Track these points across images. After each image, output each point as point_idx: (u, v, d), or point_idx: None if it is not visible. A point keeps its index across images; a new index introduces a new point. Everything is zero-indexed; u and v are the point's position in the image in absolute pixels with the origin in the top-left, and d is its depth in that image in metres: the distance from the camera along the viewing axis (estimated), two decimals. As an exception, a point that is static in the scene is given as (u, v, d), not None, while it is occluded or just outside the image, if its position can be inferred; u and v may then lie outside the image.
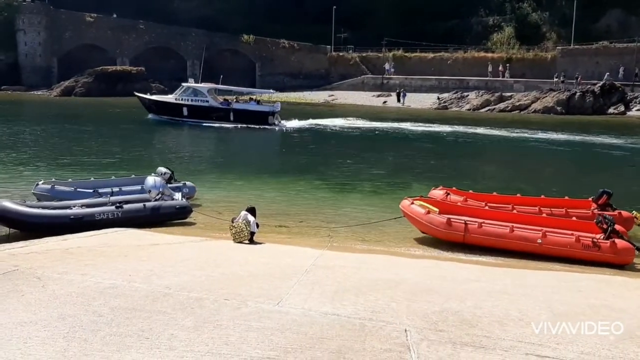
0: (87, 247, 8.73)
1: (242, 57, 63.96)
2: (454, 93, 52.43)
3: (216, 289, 6.19)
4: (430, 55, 59.96)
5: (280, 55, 63.73)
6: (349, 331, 4.90)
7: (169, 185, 13.79)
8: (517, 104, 48.29)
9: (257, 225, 10.64)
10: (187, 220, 12.90)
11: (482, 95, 50.53)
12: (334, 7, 60.13)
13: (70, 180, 14.77)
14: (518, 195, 13.03)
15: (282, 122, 36.13)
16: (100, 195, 13.29)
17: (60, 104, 49.75)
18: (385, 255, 9.88)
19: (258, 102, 37.08)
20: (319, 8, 61.19)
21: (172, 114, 35.97)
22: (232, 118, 35.17)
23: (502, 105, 48.54)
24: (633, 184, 18.33)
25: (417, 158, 24.81)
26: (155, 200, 12.77)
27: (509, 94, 50.51)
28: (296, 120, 37.20)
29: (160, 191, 12.93)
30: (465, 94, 51.92)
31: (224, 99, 37.00)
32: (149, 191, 13.04)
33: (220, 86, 37.41)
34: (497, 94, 50.16)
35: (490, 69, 55.36)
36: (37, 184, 13.65)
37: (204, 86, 36.56)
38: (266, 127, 34.66)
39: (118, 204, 12.20)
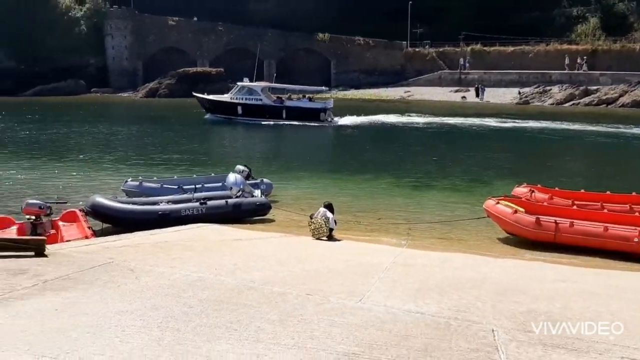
0: (175, 242, 9.08)
1: (317, 55, 64.47)
2: (536, 87, 50.60)
3: (298, 284, 6.27)
4: (510, 48, 58.06)
5: (355, 53, 63.70)
6: (434, 330, 4.83)
7: (247, 182, 14.14)
8: (604, 97, 46.04)
9: (335, 222, 10.70)
10: (266, 216, 13.15)
11: (565, 89, 48.54)
12: (410, 2, 59.43)
13: (155, 178, 15.44)
14: (607, 192, 12.40)
15: (335, 118, 36.35)
16: (185, 192, 13.79)
17: (144, 105, 52.03)
18: (467, 254, 9.68)
19: (310, 99, 37.39)
20: (394, 4, 60.61)
21: (227, 112, 36.85)
22: (284, 116, 35.76)
23: (587, 100, 46.44)
24: None
25: (496, 154, 24.14)
26: (236, 197, 13.11)
27: (594, 87, 48.18)
28: (349, 116, 37.31)
29: (241, 188, 13.27)
30: (548, 88, 50.01)
31: (277, 97, 37.61)
32: (230, 188, 13.41)
33: (274, 84, 38.12)
34: (581, 88, 47.99)
35: (567, 61, 52.91)
36: (126, 181, 14.37)
37: (257, 85, 37.37)
38: (318, 123, 34.98)
39: (202, 201, 12.63)
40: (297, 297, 5.67)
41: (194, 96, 40.23)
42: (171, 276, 6.29)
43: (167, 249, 8.32)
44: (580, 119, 35.91)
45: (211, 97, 39.05)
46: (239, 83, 38.37)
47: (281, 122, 35.33)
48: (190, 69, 60.17)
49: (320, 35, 63.31)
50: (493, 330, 4.91)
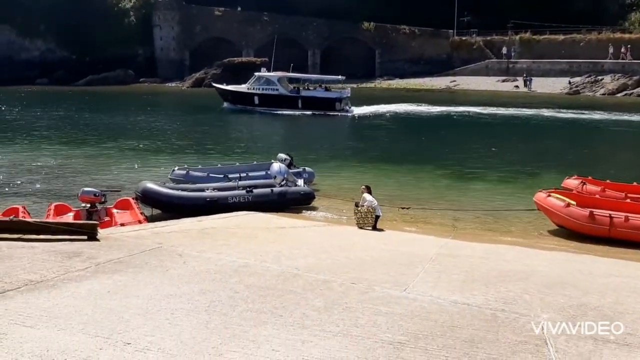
0: (221, 228, 9.23)
1: (362, 44, 63.99)
2: (587, 77, 48.98)
3: (342, 272, 6.28)
4: (561, 37, 56.22)
5: (400, 42, 62.94)
6: (481, 321, 4.77)
7: (290, 170, 14.24)
8: (659, 87, 44.19)
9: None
10: (310, 205, 13.21)
11: (618, 79, 46.86)
12: (457, -10, 58.30)
13: (199, 166, 15.71)
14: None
15: (352, 108, 36.10)
16: (230, 180, 13.98)
17: (191, 94, 52.82)
18: (514, 246, 9.50)
19: (327, 89, 37.17)
20: (441, -8, 59.56)
21: (244, 102, 37.25)
22: (300, 105, 35.86)
23: (640, 90, 44.68)
24: None
25: (545, 145, 23.55)
26: (280, 186, 13.21)
27: (649, 76, 46.32)
28: (365, 107, 37.04)
29: (285, 177, 13.36)
30: (600, 77, 48.34)
31: (294, 87, 37.65)
32: (274, 177, 13.52)
33: (290, 74, 38.06)
34: (635, 78, 46.23)
35: (611, 50, 50.92)
36: (174, 170, 14.68)
37: (274, 75, 37.43)
38: (334, 113, 34.88)
39: (249, 189, 12.77)
40: (341, 285, 5.68)
41: (213, 86, 40.52)
42: (218, 262, 6.39)
43: (213, 235, 8.47)
44: (634, 110, 34.63)
45: (230, 87, 39.41)
46: (256, 73, 38.68)
47: (297, 112, 35.44)
48: (235, 59, 60.61)
49: (365, 24, 62.75)
50: (541, 323, 4.81)
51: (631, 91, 44.83)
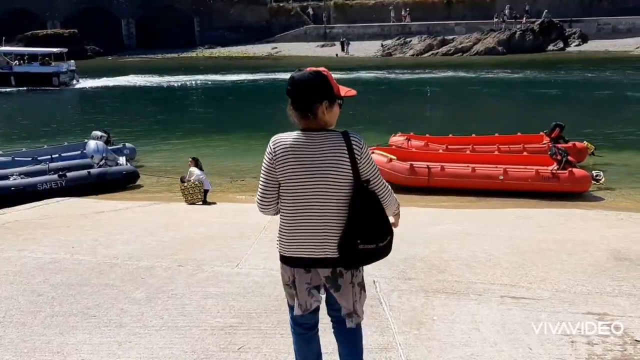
0: (28, 220, 8.09)
1: (179, 12, 61.26)
2: (397, 39, 51.99)
3: (168, 255, 5.77)
4: (372, 1, 58.96)
5: (218, 9, 61.35)
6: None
7: (109, 148, 13.14)
8: (460, 46, 48.31)
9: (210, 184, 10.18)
10: (135, 184, 12.30)
11: (424, 40, 50.31)
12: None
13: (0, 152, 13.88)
14: (473, 135, 12.95)
15: (79, 81, 34.70)
16: (39, 163, 12.51)
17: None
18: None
19: (48, 63, 34.74)
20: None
21: None
22: (13, 82, 33.39)
23: (444, 49, 48.47)
24: (570, 116, 18.59)
25: (367, 105, 24.51)
26: (99, 166, 12.10)
27: (451, 37, 50.42)
28: (97, 79, 35.72)
29: (104, 156, 12.27)
30: (409, 39, 51.56)
31: (7, 62, 34.76)
32: (91, 156, 12.38)
33: (2, 48, 35.15)
34: (439, 38, 50.02)
35: (393, 14, 55.17)
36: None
37: None
38: (53, 88, 33.03)
39: (61, 172, 11.50)
40: (166, 269, 5.17)
41: None
42: (18, 261, 5.50)
43: (17, 230, 7.36)
44: (438, 67, 37.51)
45: None
46: None
47: (10, 89, 32.65)
48: (39, 31, 54.77)
49: (181, -10, 60.19)
50: (374, 282, 4.78)
51: (436, 51, 48.43)
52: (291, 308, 2.75)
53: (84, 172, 11.92)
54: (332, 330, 2.83)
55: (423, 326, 3.86)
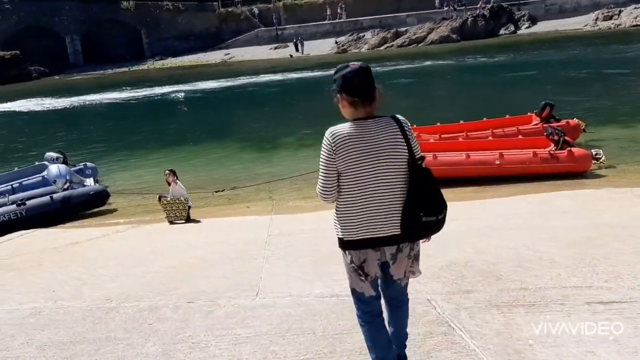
0: (-11, 263, 7.05)
1: (125, 25, 59.35)
2: (350, 35, 51.56)
3: (170, 289, 4.90)
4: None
5: (166, 19, 59.65)
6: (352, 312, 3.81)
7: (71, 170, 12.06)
8: (414, 37, 48.16)
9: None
10: (105, 208, 11.23)
11: (378, 34, 49.98)
12: (214, -40, 56.82)
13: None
14: (461, 122, 12.35)
15: None
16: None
17: None
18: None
19: None
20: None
21: None
22: None
23: (399, 41, 48.24)
24: (544, 96, 18.30)
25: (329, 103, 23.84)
26: (64, 190, 11.02)
27: (403, 29, 50.25)
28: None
29: (68, 179, 11.19)
30: (362, 34, 51.18)
31: None
32: (54, 181, 11.29)
33: None
34: (392, 31, 49.75)
35: (329, 12, 55.10)
36: None
37: None
38: None
39: (19, 201, 10.40)
40: (175, 310, 4.31)
41: None
42: (-11, 317, 4.54)
43: (-21, 276, 6.34)
44: (397, 59, 37.11)
45: None
46: None
47: None
48: (-21, 55, 52.15)
49: (125, 3, 58.10)
50: (429, 300, 4.03)
51: (391, 43, 48.13)
52: (358, 297, 2.84)
53: (46, 198, 10.83)
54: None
55: (524, 356, 3.11)
